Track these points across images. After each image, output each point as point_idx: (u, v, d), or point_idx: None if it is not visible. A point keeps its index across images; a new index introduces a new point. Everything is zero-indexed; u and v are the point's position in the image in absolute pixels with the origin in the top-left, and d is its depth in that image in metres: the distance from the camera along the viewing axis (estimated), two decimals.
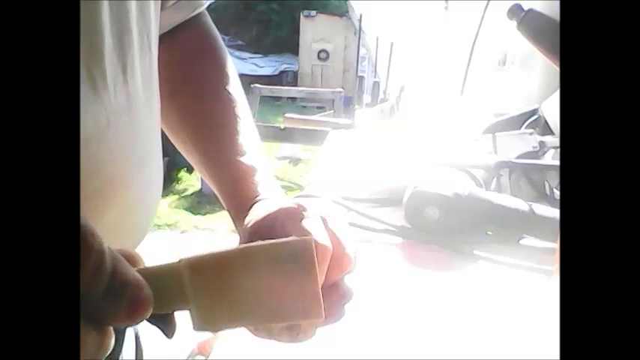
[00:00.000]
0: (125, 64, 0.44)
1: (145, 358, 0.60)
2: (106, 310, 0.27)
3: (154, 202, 0.52)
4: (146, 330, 0.49)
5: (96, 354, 0.28)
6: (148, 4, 0.47)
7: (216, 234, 3.65)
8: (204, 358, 1.85)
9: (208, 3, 0.62)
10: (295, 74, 9.29)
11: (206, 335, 1.93)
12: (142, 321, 0.29)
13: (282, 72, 9.61)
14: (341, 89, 5.20)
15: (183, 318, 0.33)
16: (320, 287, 0.29)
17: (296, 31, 9.12)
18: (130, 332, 0.55)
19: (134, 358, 0.56)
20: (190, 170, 4.86)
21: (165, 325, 0.34)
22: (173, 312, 0.32)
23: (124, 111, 0.44)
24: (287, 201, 0.45)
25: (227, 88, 0.57)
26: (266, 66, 9.73)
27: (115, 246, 0.31)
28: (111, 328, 0.29)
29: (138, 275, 0.28)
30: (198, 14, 0.61)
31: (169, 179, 4.64)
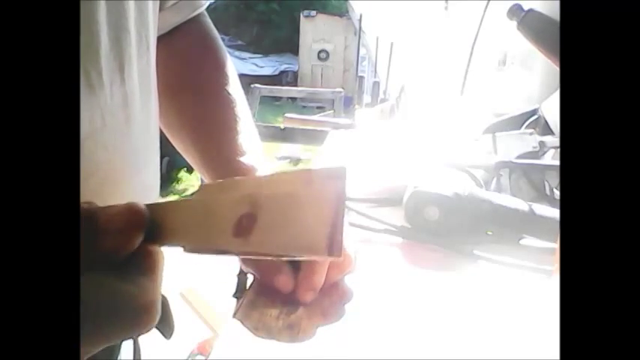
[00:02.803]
0: (122, 64, 0.44)
1: (145, 358, 0.60)
2: (112, 239, 0.26)
3: (151, 202, 0.52)
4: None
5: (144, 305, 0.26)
6: (147, 4, 0.47)
7: None
8: (203, 358, 1.85)
9: (207, 4, 0.62)
10: (295, 74, 9.29)
11: (206, 336, 1.93)
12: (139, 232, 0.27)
13: (282, 72, 9.61)
14: (341, 89, 5.20)
15: (182, 319, 0.33)
16: (338, 226, 0.25)
17: (296, 31, 9.12)
18: None
19: (132, 357, 0.56)
20: (190, 170, 4.86)
21: (164, 326, 0.34)
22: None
23: (120, 110, 0.44)
24: None
25: (226, 88, 0.57)
26: (266, 66, 9.73)
27: None
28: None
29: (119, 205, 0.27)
30: (198, 15, 0.61)
31: (169, 179, 4.64)
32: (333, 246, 0.24)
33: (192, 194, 0.31)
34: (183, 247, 0.28)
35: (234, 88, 0.58)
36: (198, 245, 0.27)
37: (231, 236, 0.26)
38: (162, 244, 0.29)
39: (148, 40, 0.48)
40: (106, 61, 0.42)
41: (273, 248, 0.25)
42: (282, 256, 0.26)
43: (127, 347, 0.54)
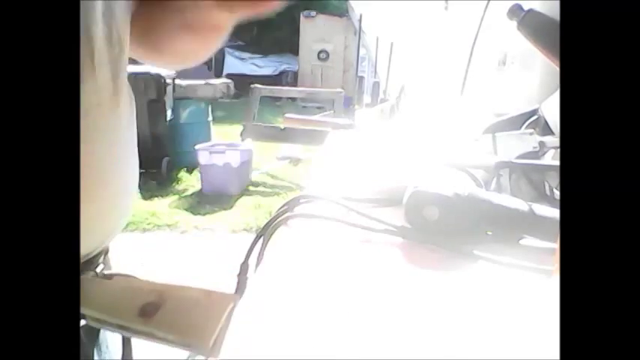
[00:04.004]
0: (92, 52, 0.45)
1: (144, 358, 0.59)
2: None
3: (127, 194, 0.52)
4: None
5: None
6: (115, 3, 0.49)
7: (216, 234, 3.65)
8: (204, 358, 1.85)
9: None
10: (295, 74, 9.29)
11: None
12: None
13: (282, 72, 9.61)
14: (341, 89, 5.20)
15: None
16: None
17: (296, 31, 9.12)
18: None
19: (120, 354, 0.56)
20: (190, 170, 4.86)
21: None
22: None
23: (92, 96, 0.45)
24: None
25: None
26: (266, 66, 9.73)
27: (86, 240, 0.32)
28: None
29: None
30: None
31: (169, 179, 4.64)
32: (215, 347, 0.30)
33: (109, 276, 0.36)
34: (85, 316, 0.32)
35: None
36: (102, 316, 0.31)
37: (135, 315, 0.30)
38: None
39: (118, 32, 0.50)
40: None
41: (169, 335, 0.30)
42: (174, 344, 0.30)
43: (114, 344, 0.54)
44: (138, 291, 0.32)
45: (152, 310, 0.30)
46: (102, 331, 0.53)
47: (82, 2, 0.43)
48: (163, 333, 0.30)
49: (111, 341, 0.54)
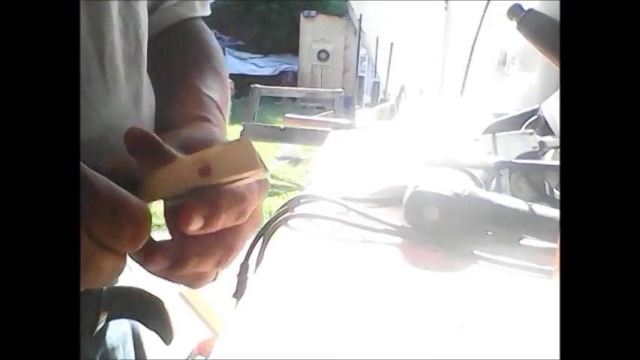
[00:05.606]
0: (102, 49, 0.44)
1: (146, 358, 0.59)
2: (110, 233, 0.30)
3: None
4: (146, 331, 0.49)
5: (109, 276, 0.31)
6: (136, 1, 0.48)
7: None
8: (203, 358, 1.85)
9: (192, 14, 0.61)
10: (295, 74, 9.29)
11: (206, 336, 1.93)
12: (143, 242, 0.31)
13: (282, 72, 9.62)
14: (341, 89, 5.20)
15: (182, 319, 0.34)
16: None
17: (296, 31, 9.13)
18: (128, 333, 0.55)
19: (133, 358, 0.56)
20: None
21: (163, 331, 0.35)
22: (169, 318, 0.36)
23: (101, 96, 0.44)
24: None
25: (197, 82, 0.53)
26: (266, 66, 9.73)
27: None
28: (124, 252, 0.32)
29: (136, 200, 0.32)
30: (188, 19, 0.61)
31: None
32: (261, 164, 0.35)
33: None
34: (161, 197, 0.36)
35: (214, 87, 0.55)
36: (171, 189, 0.35)
37: (198, 178, 0.35)
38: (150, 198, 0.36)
39: (137, 29, 0.48)
40: (82, 45, 0.41)
41: (231, 177, 0.35)
42: (236, 178, 0.35)
43: (127, 348, 0.54)
44: (188, 162, 0.36)
45: (206, 169, 0.34)
46: (119, 334, 0.52)
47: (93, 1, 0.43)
48: (226, 178, 0.35)
49: (130, 343, 0.54)
